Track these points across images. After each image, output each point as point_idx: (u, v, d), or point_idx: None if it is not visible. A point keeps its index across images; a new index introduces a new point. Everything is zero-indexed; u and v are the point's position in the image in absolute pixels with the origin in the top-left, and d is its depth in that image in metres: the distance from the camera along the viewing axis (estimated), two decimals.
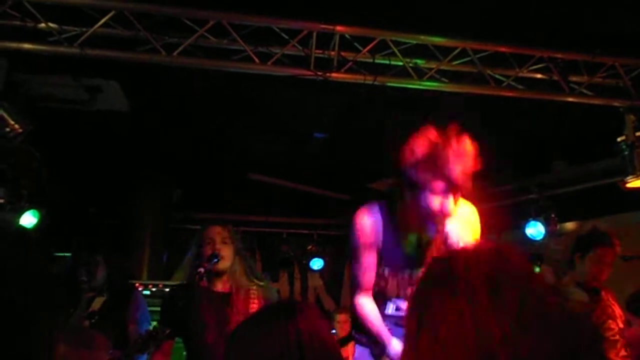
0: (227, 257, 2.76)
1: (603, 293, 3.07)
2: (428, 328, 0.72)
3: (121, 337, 3.02)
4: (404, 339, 0.83)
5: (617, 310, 3.03)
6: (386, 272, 2.22)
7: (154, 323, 2.89)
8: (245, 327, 1.41)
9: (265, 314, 1.46)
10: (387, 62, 3.36)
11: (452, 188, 1.91)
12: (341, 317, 5.21)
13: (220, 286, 2.76)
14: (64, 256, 3.24)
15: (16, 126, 3.23)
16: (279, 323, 1.34)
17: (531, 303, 0.71)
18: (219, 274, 2.75)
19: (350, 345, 4.72)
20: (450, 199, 1.94)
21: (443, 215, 1.94)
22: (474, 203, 2.18)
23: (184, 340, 2.78)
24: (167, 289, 4.77)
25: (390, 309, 2.24)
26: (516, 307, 0.69)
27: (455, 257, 0.79)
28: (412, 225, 2.08)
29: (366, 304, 2.22)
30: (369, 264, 2.19)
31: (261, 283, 2.91)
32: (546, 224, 4.80)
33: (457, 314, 0.70)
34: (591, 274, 3.04)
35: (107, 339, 2.56)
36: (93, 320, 2.95)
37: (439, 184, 1.90)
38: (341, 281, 7.32)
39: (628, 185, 3.59)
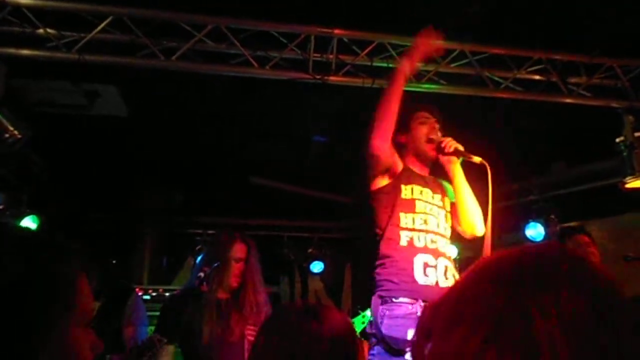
0: (239, 274, 2.76)
1: None
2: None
3: (119, 342, 3.01)
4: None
5: None
6: None
7: (151, 327, 2.89)
8: (273, 325, 1.43)
9: (292, 314, 1.47)
10: (385, 65, 3.37)
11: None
12: None
13: (221, 293, 2.76)
14: None
15: (15, 132, 3.23)
16: (308, 323, 1.35)
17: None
18: (219, 279, 2.75)
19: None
20: None
21: None
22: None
23: (180, 346, 2.78)
24: (167, 294, 4.76)
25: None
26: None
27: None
28: None
29: None
30: None
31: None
32: (546, 225, 4.79)
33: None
34: None
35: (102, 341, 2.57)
36: (90, 325, 2.93)
37: None
38: (342, 284, 7.31)
39: (627, 185, 3.59)
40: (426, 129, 2.48)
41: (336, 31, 3.19)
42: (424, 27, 2.53)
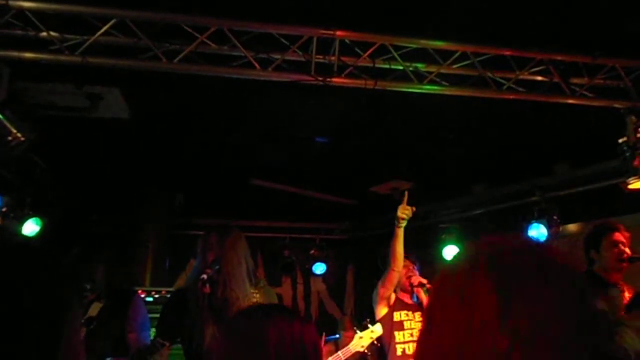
0: (228, 264, 2.76)
1: (626, 292, 3.14)
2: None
3: (120, 345, 3.01)
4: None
5: None
6: None
7: (153, 329, 2.89)
8: (232, 326, 1.47)
9: (249, 315, 1.48)
10: (387, 66, 3.36)
11: None
12: (347, 334, 5.25)
13: (222, 292, 2.76)
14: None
15: (18, 134, 3.23)
16: (262, 324, 1.36)
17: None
18: (221, 280, 2.75)
19: None
20: None
21: None
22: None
23: (182, 347, 2.78)
24: (169, 295, 4.77)
25: None
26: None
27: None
28: None
29: None
30: None
31: (261, 286, 2.92)
32: (548, 226, 4.78)
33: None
34: (613, 259, 3.18)
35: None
36: (91, 327, 2.92)
37: None
38: (344, 285, 7.31)
39: (630, 186, 3.58)
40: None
41: (338, 33, 3.19)
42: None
